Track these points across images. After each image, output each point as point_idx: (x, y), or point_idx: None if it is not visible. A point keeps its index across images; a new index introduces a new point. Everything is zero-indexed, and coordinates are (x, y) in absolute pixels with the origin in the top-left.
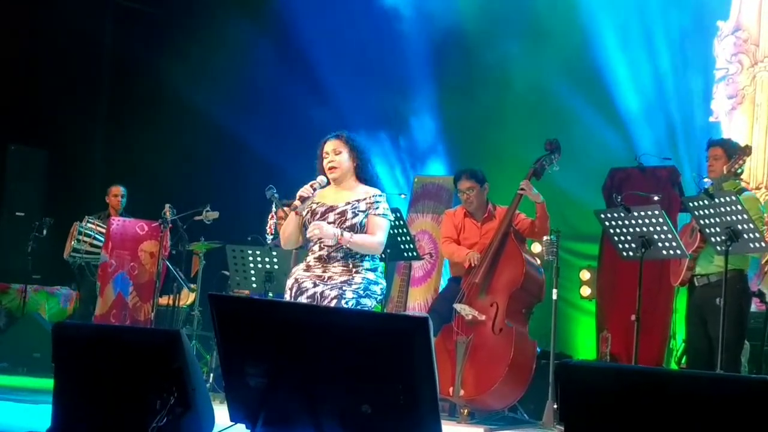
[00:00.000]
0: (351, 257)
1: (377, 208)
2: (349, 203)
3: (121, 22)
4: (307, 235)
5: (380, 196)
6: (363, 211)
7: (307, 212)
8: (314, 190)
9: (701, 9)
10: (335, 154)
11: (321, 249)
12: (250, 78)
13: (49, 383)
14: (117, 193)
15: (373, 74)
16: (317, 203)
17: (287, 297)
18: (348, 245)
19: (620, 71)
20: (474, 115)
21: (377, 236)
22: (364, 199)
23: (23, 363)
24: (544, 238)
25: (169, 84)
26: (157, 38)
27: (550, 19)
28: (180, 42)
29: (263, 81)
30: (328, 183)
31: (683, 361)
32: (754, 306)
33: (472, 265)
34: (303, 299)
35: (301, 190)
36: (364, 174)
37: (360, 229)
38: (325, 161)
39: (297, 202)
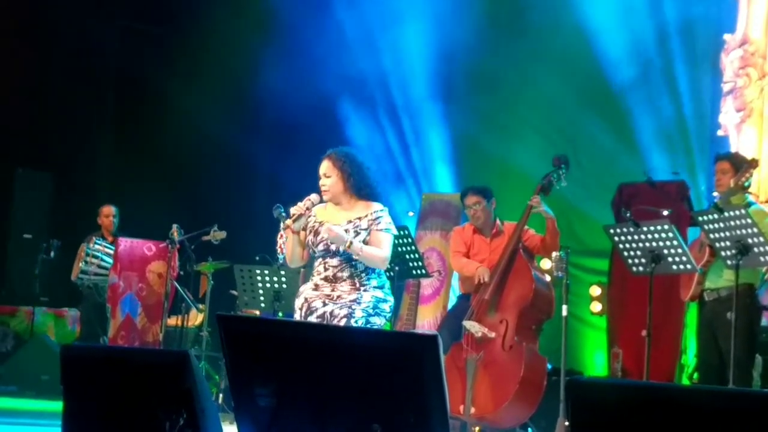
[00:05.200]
0: (357, 275)
1: (379, 223)
2: (350, 222)
3: (126, 43)
4: (319, 239)
5: (381, 210)
6: (365, 229)
7: (310, 232)
8: (307, 208)
9: (708, 22)
10: (326, 177)
11: (326, 269)
12: (257, 97)
13: (58, 406)
14: (108, 214)
15: (379, 90)
16: (319, 222)
17: (297, 317)
18: (356, 255)
19: (628, 86)
20: (482, 131)
21: (382, 251)
22: (366, 216)
23: (32, 386)
24: (554, 254)
25: (175, 105)
26: (162, 59)
27: (558, 35)
28: (186, 62)
29: (270, 100)
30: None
31: (695, 376)
32: (765, 320)
33: (482, 282)
34: (313, 319)
35: (293, 208)
36: (360, 190)
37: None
38: (319, 183)
39: (289, 221)
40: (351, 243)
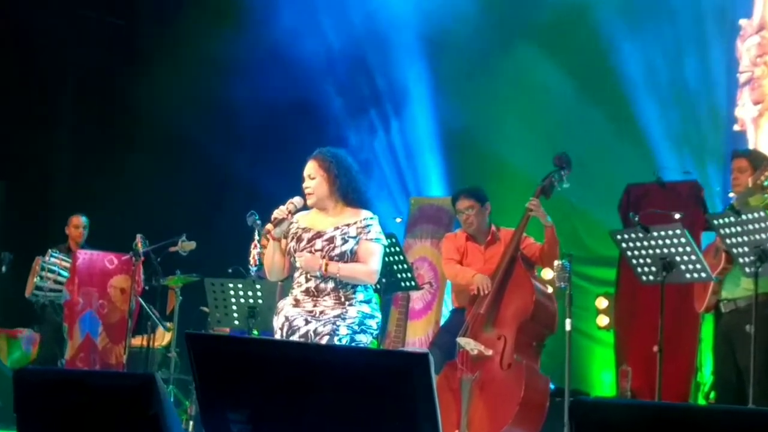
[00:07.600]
0: (342, 288)
1: (369, 232)
2: (337, 228)
3: (85, 37)
4: (302, 246)
5: (371, 218)
6: (353, 237)
7: (292, 239)
8: (290, 213)
9: (722, 7)
10: (310, 179)
11: (307, 281)
12: (227, 96)
13: None
14: (78, 224)
15: (365, 88)
16: (303, 228)
17: (278, 337)
18: (337, 277)
19: (636, 78)
20: (477, 129)
21: (370, 264)
22: (354, 223)
23: None
24: (556, 262)
25: (138, 105)
26: (124, 55)
27: (561, 24)
28: (149, 59)
29: (243, 99)
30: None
31: (712, 395)
32: None
33: (481, 291)
34: (295, 339)
35: (275, 211)
36: (347, 194)
37: (350, 256)
38: (303, 185)
39: (270, 226)
40: (327, 266)
